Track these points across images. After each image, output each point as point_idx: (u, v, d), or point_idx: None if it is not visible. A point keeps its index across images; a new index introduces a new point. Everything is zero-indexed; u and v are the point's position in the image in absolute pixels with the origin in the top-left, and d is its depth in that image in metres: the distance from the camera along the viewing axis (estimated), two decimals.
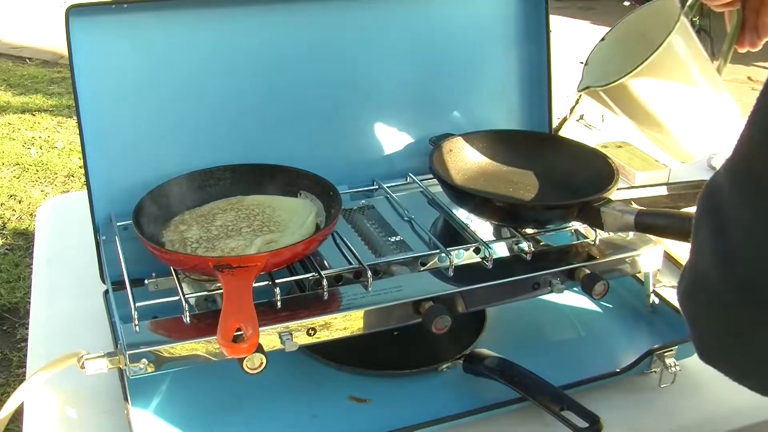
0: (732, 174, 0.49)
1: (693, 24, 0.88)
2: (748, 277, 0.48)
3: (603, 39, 0.94)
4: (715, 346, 0.53)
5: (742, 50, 0.86)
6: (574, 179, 0.97)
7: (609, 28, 0.96)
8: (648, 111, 0.87)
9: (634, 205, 0.84)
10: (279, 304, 0.76)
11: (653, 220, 0.81)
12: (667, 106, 0.87)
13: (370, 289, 0.80)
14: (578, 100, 1.14)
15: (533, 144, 1.01)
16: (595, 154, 0.98)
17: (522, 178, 0.99)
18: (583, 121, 1.48)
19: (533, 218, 0.91)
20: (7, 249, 2.67)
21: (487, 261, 0.84)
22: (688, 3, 0.88)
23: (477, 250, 0.87)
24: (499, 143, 1.03)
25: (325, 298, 0.78)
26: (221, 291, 0.72)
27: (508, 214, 0.91)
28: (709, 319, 0.52)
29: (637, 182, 1.28)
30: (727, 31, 0.85)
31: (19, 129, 3.65)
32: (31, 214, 2.85)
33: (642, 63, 0.82)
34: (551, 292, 0.85)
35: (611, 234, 0.90)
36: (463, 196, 0.91)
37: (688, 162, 0.95)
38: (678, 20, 0.82)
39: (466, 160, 1.02)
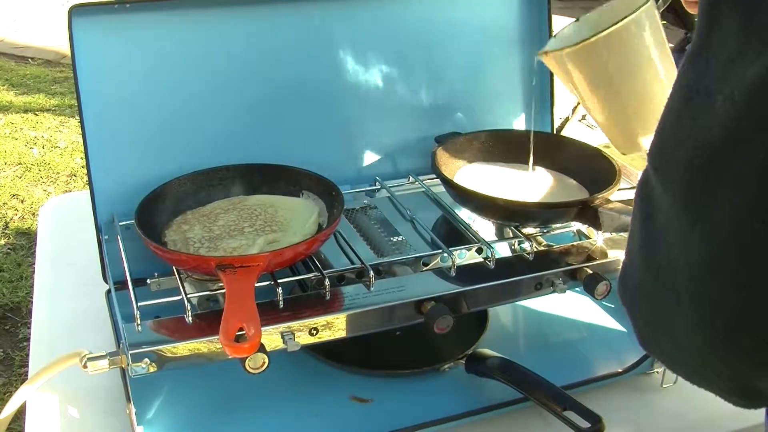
0: (651, 160, 0.49)
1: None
2: (666, 266, 0.47)
3: (577, 19, 0.93)
4: (648, 334, 0.52)
5: None
6: (577, 179, 0.97)
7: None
8: (610, 79, 0.84)
9: None
10: (281, 303, 0.76)
11: None
12: (627, 78, 0.84)
13: (372, 288, 0.79)
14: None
15: (535, 144, 1.01)
16: (597, 153, 0.98)
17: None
18: (585, 121, 1.48)
19: (533, 218, 0.91)
20: (9, 248, 2.67)
21: (489, 261, 0.84)
22: None
23: (479, 250, 0.87)
24: (501, 143, 1.03)
25: (328, 297, 0.78)
26: (223, 291, 0.72)
27: (508, 214, 0.91)
28: (639, 307, 0.52)
29: None
30: None
31: (22, 128, 3.65)
32: (34, 214, 2.85)
33: (613, 25, 0.80)
34: (553, 292, 0.85)
35: (613, 234, 0.90)
36: (465, 195, 0.91)
37: (634, 154, 0.93)
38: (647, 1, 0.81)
39: (468, 159, 1.02)
